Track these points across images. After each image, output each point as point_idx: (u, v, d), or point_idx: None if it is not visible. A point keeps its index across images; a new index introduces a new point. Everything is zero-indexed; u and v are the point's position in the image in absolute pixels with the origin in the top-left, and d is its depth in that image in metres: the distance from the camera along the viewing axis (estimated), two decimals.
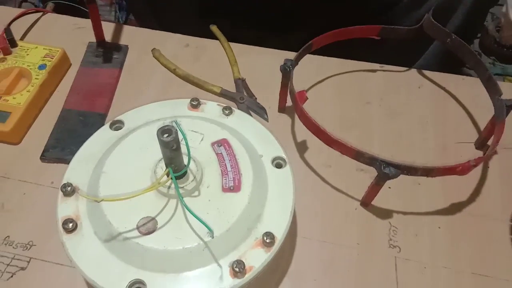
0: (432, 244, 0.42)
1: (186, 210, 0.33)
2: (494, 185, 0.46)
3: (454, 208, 0.44)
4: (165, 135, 0.31)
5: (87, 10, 0.51)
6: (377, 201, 0.43)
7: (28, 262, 0.39)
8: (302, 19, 0.65)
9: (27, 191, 0.44)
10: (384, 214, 0.43)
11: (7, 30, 0.53)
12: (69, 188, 0.36)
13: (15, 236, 0.41)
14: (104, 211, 0.33)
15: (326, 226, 0.42)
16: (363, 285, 0.39)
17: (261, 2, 0.66)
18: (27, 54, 0.52)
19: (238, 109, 0.51)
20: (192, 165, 0.35)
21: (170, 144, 0.31)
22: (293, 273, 0.39)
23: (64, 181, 0.36)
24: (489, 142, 0.47)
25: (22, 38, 0.58)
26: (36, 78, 0.49)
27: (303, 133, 0.49)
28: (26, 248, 0.40)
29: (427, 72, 0.57)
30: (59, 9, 1.14)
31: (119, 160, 0.37)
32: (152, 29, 0.61)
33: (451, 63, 0.63)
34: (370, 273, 0.39)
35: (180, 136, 0.32)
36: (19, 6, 1.13)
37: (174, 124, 0.31)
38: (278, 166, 0.39)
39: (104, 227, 0.33)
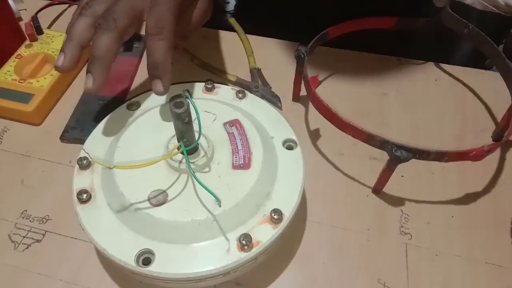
0: (445, 232, 0.41)
1: (196, 185, 0.34)
2: (511, 177, 0.45)
3: (469, 198, 0.43)
4: (177, 108, 0.31)
5: None
6: (389, 189, 0.43)
7: (44, 235, 0.40)
8: (317, 11, 0.65)
9: (46, 169, 0.45)
10: (396, 201, 0.43)
11: (34, 18, 0.55)
12: (85, 162, 0.37)
13: (32, 210, 0.42)
14: (117, 182, 0.34)
15: (336, 212, 0.42)
16: (372, 269, 0.38)
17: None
18: (52, 41, 0.54)
19: None
20: (203, 142, 0.36)
21: (182, 116, 0.32)
22: (302, 256, 0.39)
23: (81, 155, 0.37)
24: None
25: (49, 27, 0.60)
26: None
27: (316, 121, 0.50)
28: (42, 222, 0.41)
29: (444, 66, 0.56)
30: None
31: (133, 136, 0.38)
32: None
33: (475, 61, 0.62)
34: (380, 258, 0.39)
35: (193, 111, 0.33)
36: None
37: (186, 93, 0.32)
38: (289, 148, 0.39)
39: (116, 198, 0.34)
